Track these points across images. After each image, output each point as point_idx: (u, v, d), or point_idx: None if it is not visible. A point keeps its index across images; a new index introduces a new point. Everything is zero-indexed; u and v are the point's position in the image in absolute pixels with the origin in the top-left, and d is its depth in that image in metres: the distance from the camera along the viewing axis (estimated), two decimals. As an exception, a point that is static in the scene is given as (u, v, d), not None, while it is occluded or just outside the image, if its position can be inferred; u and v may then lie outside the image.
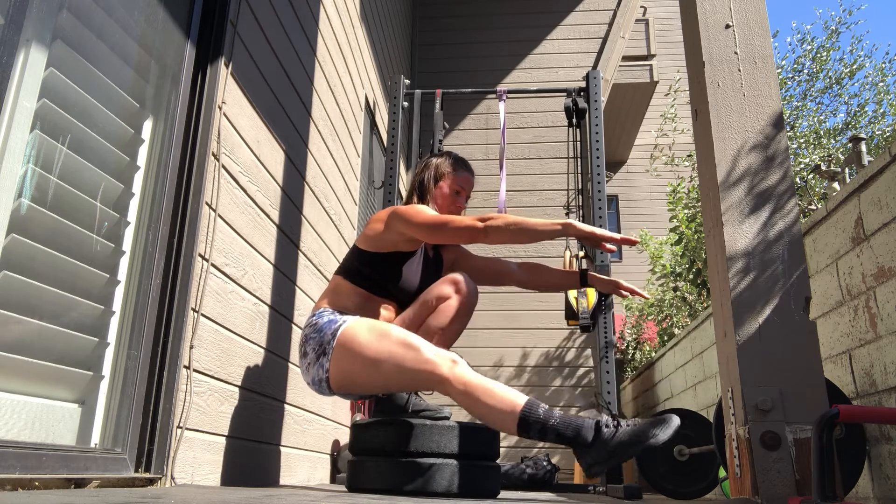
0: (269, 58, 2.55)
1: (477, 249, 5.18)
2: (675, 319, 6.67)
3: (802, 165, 6.80)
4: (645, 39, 8.40)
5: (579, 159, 3.57)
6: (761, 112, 1.99)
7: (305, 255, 3.02)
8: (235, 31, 2.22)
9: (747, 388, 1.75)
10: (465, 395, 1.81)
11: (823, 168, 4.68)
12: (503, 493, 2.63)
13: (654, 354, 6.36)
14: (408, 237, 2.09)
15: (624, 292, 2.25)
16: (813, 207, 5.71)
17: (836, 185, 4.56)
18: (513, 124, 6.16)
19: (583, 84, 3.54)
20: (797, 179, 6.30)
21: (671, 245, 6.01)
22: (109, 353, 1.66)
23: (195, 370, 1.91)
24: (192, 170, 1.95)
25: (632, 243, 1.94)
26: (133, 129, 1.78)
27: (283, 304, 2.68)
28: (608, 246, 2.01)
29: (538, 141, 6.14)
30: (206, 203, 2.00)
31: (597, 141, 3.31)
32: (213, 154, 2.06)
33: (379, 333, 1.91)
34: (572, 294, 2.91)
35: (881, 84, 9.42)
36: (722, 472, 3.39)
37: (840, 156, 7.34)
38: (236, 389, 2.20)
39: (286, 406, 2.70)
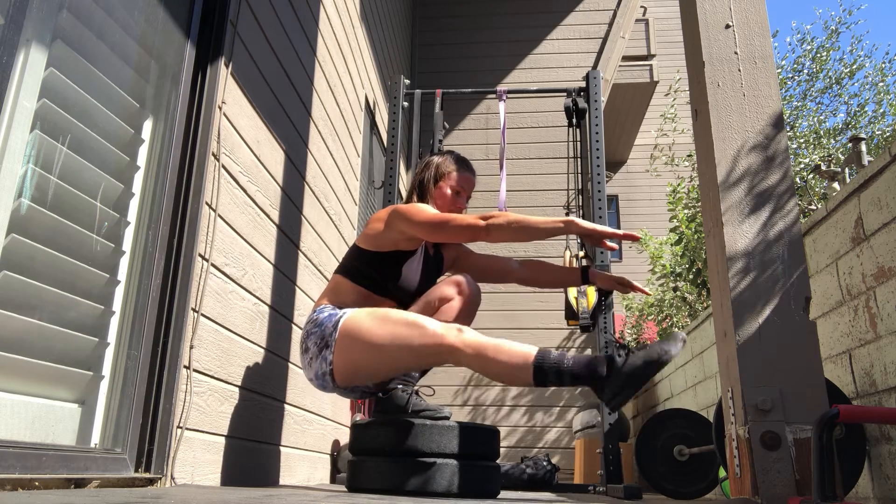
0: (269, 58, 2.55)
1: (476, 248, 5.17)
2: (675, 319, 6.67)
3: (802, 165, 6.80)
4: (645, 39, 8.40)
5: (579, 159, 3.57)
6: (761, 112, 1.99)
7: (305, 255, 3.02)
8: (235, 31, 2.22)
9: (747, 388, 1.75)
10: (476, 357, 1.82)
11: (823, 168, 4.68)
12: (503, 493, 2.63)
13: (654, 354, 6.34)
14: (409, 236, 2.09)
15: (625, 287, 2.25)
16: (813, 207, 5.71)
17: (836, 185, 4.56)
18: (513, 124, 6.17)
19: (583, 84, 3.54)
20: (797, 179, 6.30)
21: (671, 245, 6.00)
22: (109, 353, 1.66)
23: (195, 370, 1.91)
24: (192, 170, 1.95)
25: (634, 239, 1.94)
26: (133, 129, 1.78)
27: (283, 304, 2.68)
28: (609, 243, 2.00)
29: (538, 141, 6.14)
30: (206, 203, 2.00)
31: (597, 141, 3.31)
32: (213, 154, 2.06)
33: (380, 318, 1.92)
34: (572, 294, 2.90)
35: (881, 84, 9.42)
36: (722, 472, 3.39)
37: (840, 156, 7.35)
38: (236, 389, 2.20)
39: (286, 406, 2.70)
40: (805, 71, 9.34)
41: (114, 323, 1.68)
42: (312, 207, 3.14)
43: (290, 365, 2.76)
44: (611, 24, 6.54)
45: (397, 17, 5.78)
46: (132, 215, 1.77)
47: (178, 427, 1.81)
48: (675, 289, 6.29)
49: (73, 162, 1.52)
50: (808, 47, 9.42)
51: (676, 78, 8.27)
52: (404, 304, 2.16)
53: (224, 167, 2.13)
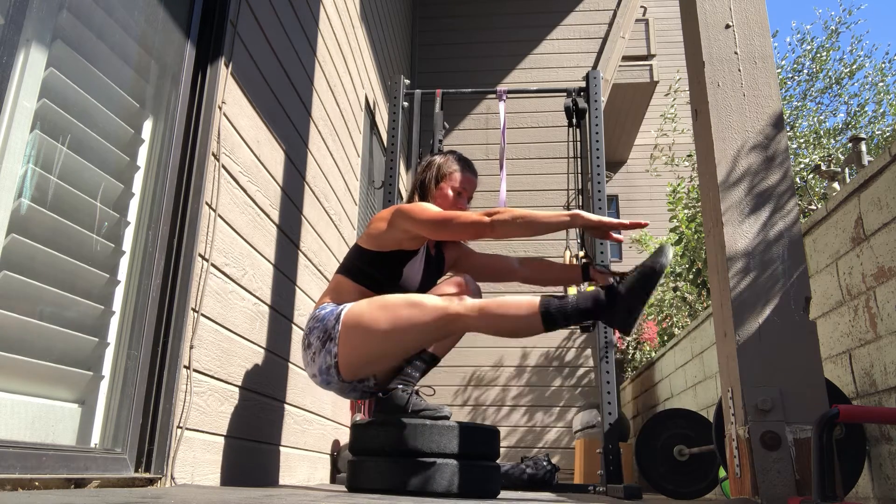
0: (269, 58, 2.56)
1: (475, 246, 5.18)
2: (675, 319, 6.67)
3: (802, 165, 6.80)
4: (645, 39, 8.40)
5: (579, 159, 3.57)
6: (761, 112, 1.99)
7: (305, 255, 3.02)
8: (235, 31, 2.22)
9: (747, 388, 1.75)
10: (483, 318, 1.87)
11: (823, 168, 4.68)
12: (503, 493, 2.63)
13: (653, 354, 6.36)
14: (412, 235, 2.09)
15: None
16: (813, 207, 5.71)
17: (836, 185, 4.56)
18: (513, 124, 6.17)
19: (583, 84, 3.54)
20: (797, 179, 6.30)
21: (671, 245, 6.01)
22: (109, 353, 1.66)
23: (195, 370, 1.91)
24: (192, 170, 1.95)
25: (642, 226, 1.97)
26: (133, 129, 1.78)
27: (283, 304, 2.68)
28: (616, 235, 2.03)
29: (538, 141, 6.15)
30: (206, 203, 2.00)
31: (597, 141, 3.31)
32: (213, 154, 2.06)
33: (380, 304, 1.96)
34: (572, 292, 2.90)
35: (881, 84, 9.43)
36: (722, 472, 3.39)
37: (840, 156, 7.35)
38: (236, 389, 2.20)
39: (286, 406, 2.70)
40: (805, 71, 9.35)
41: (114, 323, 1.68)
42: (312, 207, 3.14)
43: (290, 365, 2.76)
44: (611, 24, 6.54)
45: (397, 17, 5.78)
46: (132, 215, 1.77)
47: (178, 427, 1.81)
48: (675, 289, 6.29)
49: (73, 162, 1.52)
50: (808, 47, 9.43)
51: (676, 78, 8.27)
52: (405, 304, 2.17)
53: (224, 167, 2.13)
